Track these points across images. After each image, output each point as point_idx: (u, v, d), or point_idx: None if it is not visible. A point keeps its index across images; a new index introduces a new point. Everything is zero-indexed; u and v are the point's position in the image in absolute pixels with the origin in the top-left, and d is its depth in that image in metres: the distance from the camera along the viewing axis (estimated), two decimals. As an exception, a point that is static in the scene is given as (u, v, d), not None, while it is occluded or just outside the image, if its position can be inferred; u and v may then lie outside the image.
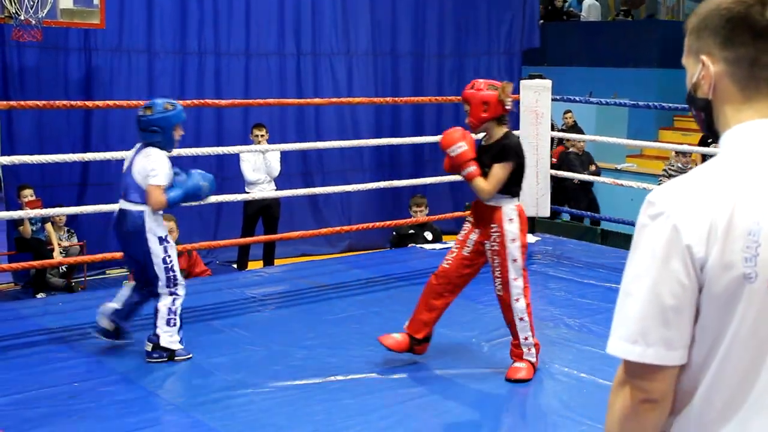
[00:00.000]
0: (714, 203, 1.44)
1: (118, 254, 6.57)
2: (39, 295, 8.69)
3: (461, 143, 4.17)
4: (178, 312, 4.42)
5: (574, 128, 12.98)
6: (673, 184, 1.49)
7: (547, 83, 7.27)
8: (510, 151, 4.15)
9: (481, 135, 4.33)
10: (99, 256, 6.46)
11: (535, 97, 7.20)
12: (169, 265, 4.35)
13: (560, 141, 12.98)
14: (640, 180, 10.50)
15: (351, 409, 3.86)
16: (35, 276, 9.08)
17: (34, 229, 9.06)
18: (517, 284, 4.19)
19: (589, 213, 9.80)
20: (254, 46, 11.04)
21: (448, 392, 4.09)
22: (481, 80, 4.30)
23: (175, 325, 4.40)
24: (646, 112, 15.26)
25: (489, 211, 4.19)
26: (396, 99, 8.25)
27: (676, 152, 10.39)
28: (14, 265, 7.61)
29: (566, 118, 13.03)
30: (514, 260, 4.16)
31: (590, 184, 11.13)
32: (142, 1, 10.21)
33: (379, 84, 12.05)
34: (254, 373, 4.25)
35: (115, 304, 4.52)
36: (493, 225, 4.18)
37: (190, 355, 4.45)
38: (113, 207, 6.26)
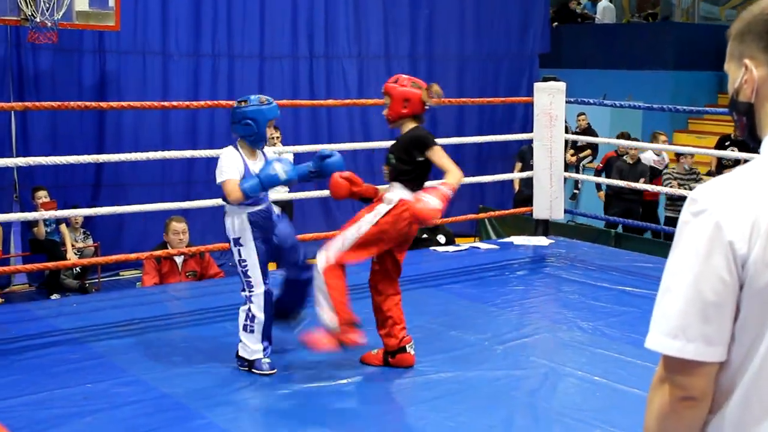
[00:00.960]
0: (757, 201, 1.45)
1: (132, 255, 6.61)
2: (53, 296, 8.73)
3: (437, 207, 4.03)
4: (257, 320, 4.22)
5: (588, 131, 12.95)
6: (716, 182, 1.50)
7: (561, 86, 7.25)
8: (425, 138, 4.18)
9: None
10: (113, 258, 6.48)
11: (549, 100, 7.18)
12: (243, 268, 4.23)
13: (580, 152, 12.99)
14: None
15: (363, 412, 3.86)
16: (49, 277, 9.12)
17: (49, 230, 9.09)
18: (336, 251, 4.18)
19: (598, 215, 9.74)
20: (268, 49, 11.06)
21: (460, 394, 4.07)
22: (405, 76, 4.33)
23: (252, 332, 4.21)
24: (661, 114, 15.21)
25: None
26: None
27: (677, 155, 10.35)
28: (29, 266, 7.65)
29: (579, 120, 13.00)
30: (359, 228, 4.15)
31: (656, 201, 10.80)
32: (156, 3, 10.24)
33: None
34: (267, 375, 4.24)
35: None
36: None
37: (274, 371, 4.22)
38: (128, 209, 6.32)
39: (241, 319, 4.24)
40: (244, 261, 4.22)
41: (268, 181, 4.16)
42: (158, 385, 4.09)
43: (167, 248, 6.79)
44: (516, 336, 4.92)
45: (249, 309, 4.22)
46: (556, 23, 17.24)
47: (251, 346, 4.22)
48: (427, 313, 5.18)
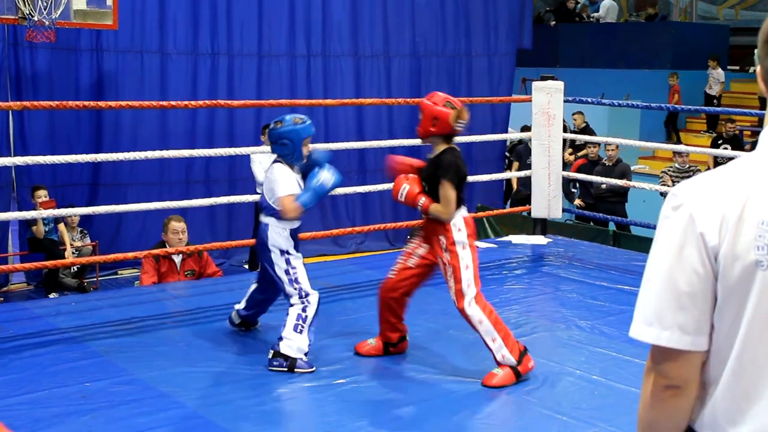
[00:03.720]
0: (728, 195, 1.49)
1: (131, 255, 6.61)
2: (51, 295, 8.72)
3: (404, 185, 4.29)
4: (308, 321, 4.31)
5: (585, 130, 12.93)
6: (695, 179, 1.56)
7: (559, 85, 7.25)
8: (447, 167, 4.19)
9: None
10: (111, 257, 6.48)
11: (547, 99, 7.19)
12: (293, 277, 4.34)
13: (578, 152, 12.87)
14: (652, 182, 10.47)
15: (363, 410, 3.86)
16: (48, 276, 9.11)
17: (47, 229, 9.09)
18: (470, 291, 4.17)
19: (599, 215, 9.73)
20: (266, 47, 11.06)
21: (459, 393, 4.08)
22: (441, 94, 4.33)
23: (301, 332, 4.28)
24: (659, 113, 15.24)
25: (434, 224, 4.25)
26: (407, 100, 8.23)
27: (675, 153, 10.30)
28: (27, 265, 7.65)
29: (575, 119, 12.97)
30: (467, 266, 4.19)
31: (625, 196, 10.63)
32: (154, 1, 10.23)
33: (390, 85, 12.05)
34: (266, 373, 4.25)
35: (240, 305, 4.82)
36: (440, 236, 4.22)
37: (313, 368, 4.29)
38: (126, 208, 6.32)
39: (291, 319, 4.29)
40: (294, 270, 4.36)
41: (322, 191, 4.37)
42: (156, 384, 4.09)
43: (165, 247, 6.79)
44: (515, 335, 4.92)
45: (304, 310, 4.31)
46: (554, 22, 17.25)
47: (300, 344, 4.27)
48: (426, 313, 5.19)
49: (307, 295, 4.34)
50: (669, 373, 1.57)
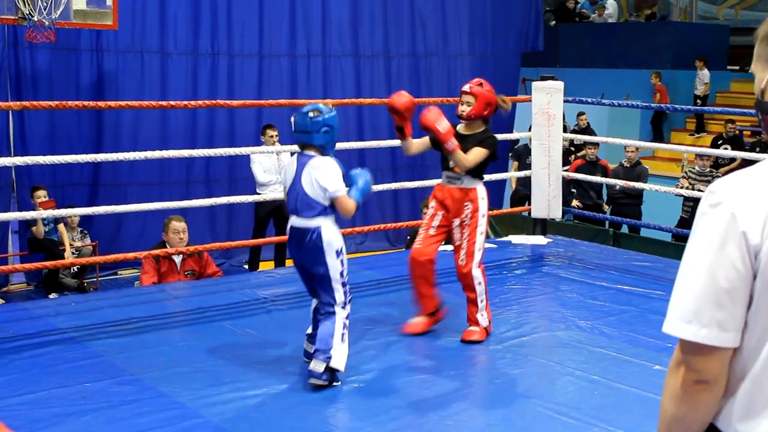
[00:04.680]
0: None
1: (131, 255, 6.61)
2: (51, 296, 8.73)
3: (444, 121, 4.57)
4: (348, 326, 4.15)
5: (586, 131, 12.93)
6: (733, 177, 1.58)
7: (559, 85, 7.25)
8: (491, 141, 4.75)
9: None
10: (111, 257, 6.48)
11: (547, 99, 7.19)
12: (346, 279, 4.12)
13: (578, 152, 12.81)
14: (652, 182, 10.46)
15: (363, 411, 3.86)
16: (48, 276, 9.12)
17: (47, 229, 9.09)
18: (479, 254, 4.72)
19: (599, 215, 9.73)
20: (266, 47, 11.06)
21: (459, 394, 4.08)
22: (479, 79, 4.87)
23: (344, 341, 4.09)
24: (658, 113, 15.23)
25: (463, 192, 4.73)
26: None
27: (697, 155, 10.12)
28: (27, 265, 7.65)
29: (580, 120, 12.96)
30: (482, 233, 4.73)
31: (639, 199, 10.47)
32: (154, 2, 10.24)
33: (390, 85, 12.05)
34: (266, 373, 4.25)
35: (310, 329, 4.34)
36: (467, 203, 4.71)
37: (339, 383, 4.13)
38: (126, 208, 6.31)
39: (339, 328, 4.07)
40: (346, 270, 4.14)
41: (368, 191, 4.20)
42: (156, 384, 4.09)
43: (166, 248, 6.79)
44: (514, 335, 4.93)
45: (347, 317, 4.14)
46: (554, 22, 17.25)
47: (345, 355, 4.08)
48: (425, 312, 5.19)
49: (348, 298, 4.17)
50: (700, 369, 1.58)
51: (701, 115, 15.19)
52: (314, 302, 4.28)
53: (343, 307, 4.13)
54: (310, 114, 4.12)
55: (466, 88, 4.78)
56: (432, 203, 4.85)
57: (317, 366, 4.02)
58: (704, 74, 14.98)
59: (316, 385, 4.04)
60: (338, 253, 4.09)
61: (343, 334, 4.08)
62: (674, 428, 1.66)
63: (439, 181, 4.92)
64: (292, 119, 4.16)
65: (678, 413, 1.64)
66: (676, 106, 11.44)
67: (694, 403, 1.61)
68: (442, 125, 4.54)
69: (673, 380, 1.64)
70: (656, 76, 15.34)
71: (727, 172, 10.03)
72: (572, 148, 12.77)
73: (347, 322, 4.13)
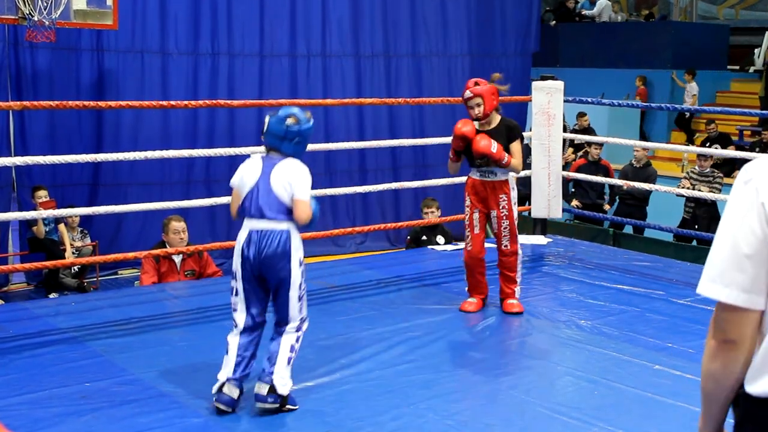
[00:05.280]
0: None
1: (131, 254, 6.61)
2: (51, 295, 8.73)
3: (493, 142, 5.00)
4: (296, 353, 3.88)
5: (587, 131, 12.92)
6: (764, 158, 1.81)
7: (560, 84, 7.25)
8: (517, 128, 5.19)
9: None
10: (111, 257, 6.48)
11: (547, 99, 7.18)
12: (304, 293, 3.86)
13: (577, 152, 12.80)
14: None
15: (362, 410, 3.86)
16: (48, 276, 9.12)
17: (47, 229, 9.09)
18: (518, 237, 5.35)
19: (599, 215, 9.72)
20: (267, 47, 11.06)
21: (458, 393, 4.08)
22: (472, 80, 5.17)
23: (290, 365, 3.81)
24: (659, 113, 15.23)
25: (498, 185, 5.20)
26: (407, 100, 8.23)
27: (698, 156, 10.08)
28: (27, 265, 7.65)
29: (581, 120, 12.95)
30: (516, 218, 5.28)
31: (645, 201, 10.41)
32: (155, 2, 10.24)
33: (390, 85, 12.05)
34: (265, 373, 4.25)
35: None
36: (502, 195, 5.21)
37: (297, 407, 3.86)
38: (126, 208, 6.32)
39: (285, 351, 3.80)
40: (305, 283, 3.88)
41: (318, 212, 3.94)
42: (157, 384, 4.09)
43: (166, 248, 6.79)
44: (514, 335, 4.93)
45: (297, 340, 3.86)
46: (554, 22, 17.25)
47: (288, 382, 3.82)
48: (425, 312, 5.19)
49: (303, 320, 3.90)
50: (726, 329, 1.77)
51: (688, 123, 15.14)
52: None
53: (297, 329, 3.86)
54: (288, 121, 3.92)
55: (468, 94, 5.09)
56: (468, 201, 5.28)
57: (261, 388, 3.77)
58: (692, 87, 14.89)
59: (262, 409, 3.78)
60: (300, 263, 3.83)
61: (289, 358, 3.81)
62: (709, 385, 1.84)
63: (472, 175, 5.29)
64: (267, 119, 3.97)
65: (710, 370, 1.82)
66: (676, 105, 11.46)
67: (722, 362, 1.79)
68: (494, 148, 4.98)
69: (708, 338, 1.82)
70: (640, 80, 15.31)
71: (721, 169, 10.03)
72: (571, 148, 12.77)
73: (297, 345, 3.85)
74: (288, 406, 3.82)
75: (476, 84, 5.09)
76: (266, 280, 3.84)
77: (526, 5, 13.56)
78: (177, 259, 6.83)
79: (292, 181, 3.83)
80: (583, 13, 17.85)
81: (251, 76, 10.98)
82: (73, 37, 9.58)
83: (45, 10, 7.56)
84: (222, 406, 3.77)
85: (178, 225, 6.93)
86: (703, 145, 12.94)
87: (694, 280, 6.38)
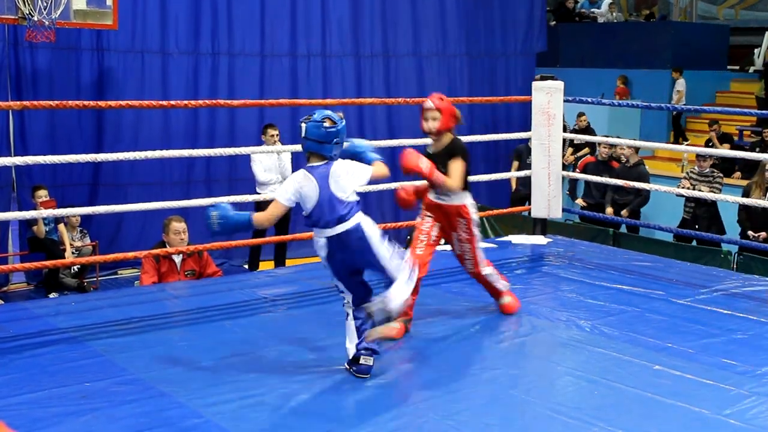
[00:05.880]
0: None
1: (131, 254, 6.61)
2: (51, 295, 8.73)
3: (423, 159, 4.77)
4: (414, 278, 4.33)
5: (587, 130, 12.93)
6: None
7: (559, 84, 7.25)
8: (461, 149, 4.89)
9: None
10: (111, 257, 6.48)
11: (547, 99, 7.18)
12: (392, 248, 4.23)
13: (577, 152, 12.82)
14: (652, 182, 10.45)
15: (362, 410, 3.86)
16: (48, 276, 9.12)
17: (47, 229, 9.09)
18: (483, 256, 5.09)
19: (600, 215, 9.72)
20: (267, 47, 11.06)
21: (458, 393, 4.08)
22: (437, 94, 4.95)
23: (408, 287, 4.22)
24: (659, 113, 15.23)
25: (455, 209, 4.93)
26: (407, 100, 8.23)
27: (697, 156, 10.12)
28: (27, 264, 7.65)
29: (580, 120, 12.96)
30: (478, 239, 5.06)
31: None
32: (155, 1, 10.24)
33: (390, 85, 12.05)
34: (266, 373, 4.25)
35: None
36: (460, 219, 4.94)
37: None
38: (126, 207, 6.30)
39: (404, 278, 4.20)
40: (388, 245, 4.27)
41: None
42: (157, 384, 4.09)
43: (166, 248, 6.79)
44: (514, 335, 4.93)
45: (410, 276, 4.26)
46: (554, 22, 17.24)
47: (403, 296, 4.19)
48: (425, 312, 5.19)
49: (407, 264, 4.26)
50: None
51: (677, 123, 15.14)
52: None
53: (408, 278, 4.20)
54: (326, 124, 4.12)
55: (430, 104, 4.84)
56: (428, 213, 5.02)
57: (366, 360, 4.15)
58: (680, 83, 14.89)
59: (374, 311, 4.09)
60: (382, 237, 4.21)
61: (407, 281, 4.17)
62: None
63: (429, 196, 5.01)
64: (303, 125, 4.12)
65: None
66: (676, 105, 11.45)
67: None
68: (424, 164, 4.74)
69: None
70: (621, 80, 15.31)
71: (713, 166, 10.04)
72: (570, 148, 12.79)
73: (414, 275, 4.24)
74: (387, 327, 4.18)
75: (440, 99, 4.88)
76: (358, 269, 4.25)
77: (527, 5, 13.56)
78: (177, 258, 6.83)
79: (355, 170, 4.17)
80: (586, 13, 17.84)
81: (251, 76, 10.98)
82: (73, 37, 9.58)
83: (45, 10, 7.57)
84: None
85: (178, 225, 6.94)
86: (706, 145, 12.95)
87: (694, 280, 6.41)
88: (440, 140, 4.91)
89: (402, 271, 4.20)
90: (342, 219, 4.10)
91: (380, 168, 4.28)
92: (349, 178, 4.13)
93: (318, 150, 4.12)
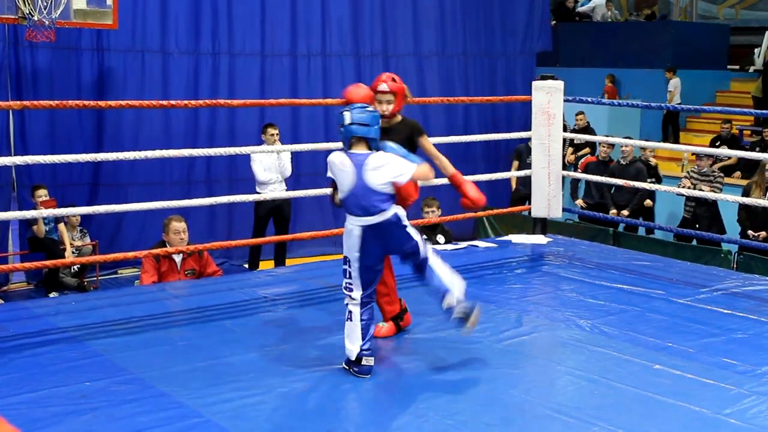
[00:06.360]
0: None
1: (131, 254, 6.61)
2: (51, 295, 8.73)
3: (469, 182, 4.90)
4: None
5: (587, 130, 12.93)
6: None
7: (559, 84, 7.25)
8: (419, 127, 4.89)
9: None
10: (111, 256, 6.47)
11: (547, 98, 7.18)
12: (415, 230, 4.41)
13: (576, 152, 12.81)
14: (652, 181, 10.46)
15: (361, 411, 3.86)
16: (48, 275, 9.12)
17: (47, 229, 9.10)
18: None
19: (600, 215, 9.72)
20: (267, 47, 11.06)
21: (459, 393, 4.08)
22: (389, 74, 4.81)
23: (450, 277, 4.46)
24: (659, 113, 15.23)
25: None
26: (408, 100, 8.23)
27: (697, 156, 10.13)
28: (27, 264, 7.65)
29: (578, 119, 12.97)
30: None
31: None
32: (155, 1, 10.24)
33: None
34: (266, 373, 4.25)
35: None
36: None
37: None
38: (126, 207, 6.30)
39: (442, 270, 4.44)
40: (415, 231, 4.45)
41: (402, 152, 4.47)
42: (157, 384, 4.09)
43: (166, 247, 6.78)
44: (514, 334, 4.93)
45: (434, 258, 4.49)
46: (554, 22, 17.25)
47: (459, 282, 4.46)
48: (425, 312, 5.19)
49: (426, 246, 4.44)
50: None
51: (668, 123, 15.13)
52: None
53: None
54: (369, 108, 4.29)
55: (384, 87, 4.72)
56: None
57: (449, 300, 4.29)
58: (672, 83, 14.87)
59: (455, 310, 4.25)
60: (412, 226, 4.36)
61: (446, 271, 4.38)
62: None
63: None
64: (347, 113, 4.19)
65: None
66: (677, 106, 11.46)
67: None
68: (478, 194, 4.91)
69: None
70: (609, 78, 15.31)
71: (721, 169, 10.06)
72: (571, 147, 12.79)
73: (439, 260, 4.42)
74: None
75: (393, 80, 4.77)
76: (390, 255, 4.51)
77: (527, 5, 13.56)
78: (177, 258, 6.83)
79: (387, 173, 4.15)
80: (578, 10, 17.87)
81: (252, 76, 10.98)
82: (73, 37, 9.58)
83: (45, 9, 7.56)
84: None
85: (178, 225, 6.93)
86: (712, 143, 12.95)
87: (694, 280, 6.40)
88: (396, 117, 4.87)
89: (437, 263, 4.40)
90: (374, 209, 4.17)
91: (424, 169, 4.30)
92: (388, 169, 4.17)
93: (365, 133, 4.19)
